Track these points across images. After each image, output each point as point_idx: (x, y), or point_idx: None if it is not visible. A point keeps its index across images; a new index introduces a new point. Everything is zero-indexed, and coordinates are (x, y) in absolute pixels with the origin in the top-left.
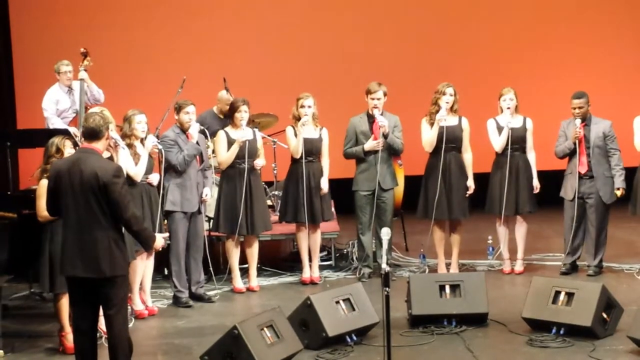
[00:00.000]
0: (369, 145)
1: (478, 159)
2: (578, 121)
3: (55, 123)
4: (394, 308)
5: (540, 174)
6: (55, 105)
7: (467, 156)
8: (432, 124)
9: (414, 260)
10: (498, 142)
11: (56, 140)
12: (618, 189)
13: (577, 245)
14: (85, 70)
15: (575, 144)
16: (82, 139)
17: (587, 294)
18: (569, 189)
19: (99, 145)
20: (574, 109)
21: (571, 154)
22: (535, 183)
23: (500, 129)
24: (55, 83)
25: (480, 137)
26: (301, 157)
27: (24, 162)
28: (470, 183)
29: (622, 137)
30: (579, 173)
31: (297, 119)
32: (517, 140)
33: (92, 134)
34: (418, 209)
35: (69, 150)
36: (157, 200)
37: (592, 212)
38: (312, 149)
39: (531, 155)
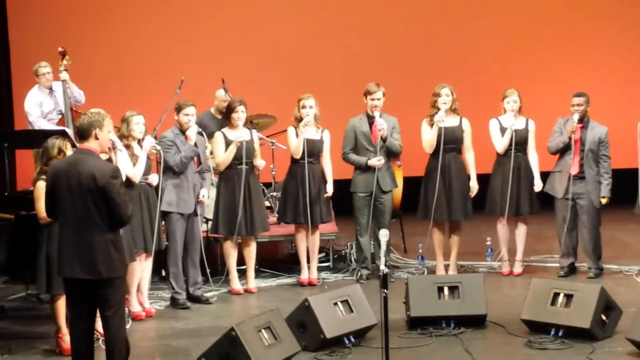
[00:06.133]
0: (372, 162)
1: (478, 160)
2: (576, 116)
3: (42, 126)
4: (392, 310)
5: (542, 175)
6: (39, 108)
7: (470, 156)
8: (432, 125)
9: (413, 262)
10: (501, 143)
11: (57, 141)
12: (603, 197)
13: (572, 247)
14: (66, 70)
15: (570, 139)
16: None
17: (586, 295)
18: (558, 187)
19: (94, 145)
20: (573, 106)
21: (563, 152)
22: (538, 181)
23: (503, 129)
24: (34, 86)
25: (480, 137)
26: (301, 157)
27: (22, 162)
28: (474, 183)
29: (625, 138)
30: (570, 174)
31: (299, 119)
32: (520, 142)
33: (80, 134)
34: (418, 210)
35: (69, 152)
36: (155, 201)
37: (583, 212)
38: (313, 150)
39: (533, 157)
